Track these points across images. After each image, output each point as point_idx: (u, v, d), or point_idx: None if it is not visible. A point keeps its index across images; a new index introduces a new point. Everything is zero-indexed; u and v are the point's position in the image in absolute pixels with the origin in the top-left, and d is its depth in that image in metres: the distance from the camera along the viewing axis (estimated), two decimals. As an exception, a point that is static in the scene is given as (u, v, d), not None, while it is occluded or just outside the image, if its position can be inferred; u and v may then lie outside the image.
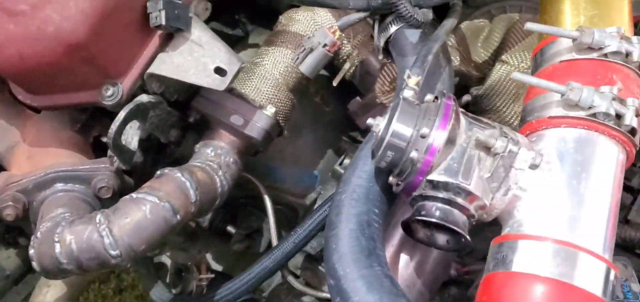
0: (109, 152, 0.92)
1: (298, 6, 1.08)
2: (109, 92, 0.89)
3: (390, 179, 0.71)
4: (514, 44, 0.97)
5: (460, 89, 0.99)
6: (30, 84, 0.89)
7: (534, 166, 0.65)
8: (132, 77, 0.91)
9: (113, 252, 0.79)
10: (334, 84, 1.05)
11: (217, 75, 0.89)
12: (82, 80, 0.88)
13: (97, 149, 1.04)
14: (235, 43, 1.24)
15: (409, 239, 0.80)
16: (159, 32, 0.91)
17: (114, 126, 0.87)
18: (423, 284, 0.86)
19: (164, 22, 0.86)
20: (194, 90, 1.01)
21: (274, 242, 1.10)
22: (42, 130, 0.98)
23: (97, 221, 0.80)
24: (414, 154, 0.65)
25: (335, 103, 1.30)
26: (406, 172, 0.67)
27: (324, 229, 0.89)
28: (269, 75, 1.02)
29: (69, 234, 0.80)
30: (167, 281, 1.19)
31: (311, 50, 0.88)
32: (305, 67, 0.89)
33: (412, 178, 0.66)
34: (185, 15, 0.90)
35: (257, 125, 0.98)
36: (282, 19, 1.08)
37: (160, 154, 1.08)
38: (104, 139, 1.03)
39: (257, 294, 1.22)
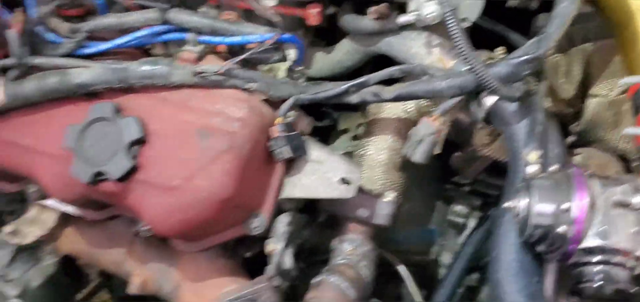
0: (268, 271, 1.02)
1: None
2: (255, 224, 1.00)
3: (541, 248, 0.78)
4: (597, 76, 1.02)
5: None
6: (187, 237, 1.00)
7: (674, 210, 0.71)
8: (269, 205, 1.01)
9: None
10: (436, 152, 1.13)
11: (344, 186, 0.99)
12: (231, 221, 0.99)
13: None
14: (328, 132, 1.35)
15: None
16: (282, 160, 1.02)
17: (275, 259, 0.97)
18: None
19: (289, 155, 0.97)
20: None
21: (419, 302, 1.19)
22: (199, 266, 1.10)
23: None
24: (562, 229, 0.72)
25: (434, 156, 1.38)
26: (557, 244, 0.74)
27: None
28: (377, 162, 1.11)
29: None
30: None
31: (420, 141, 0.97)
32: (419, 157, 0.98)
33: (565, 249, 0.73)
34: (301, 142, 1.00)
35: (383, 213, 1.07)
36: (371, 108, 1.17)
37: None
38: (247, 255, 1.14)
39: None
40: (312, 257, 1.28)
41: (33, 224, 1.17)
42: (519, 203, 0.76)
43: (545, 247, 0.77)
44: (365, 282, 1.04)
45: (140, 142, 0.93)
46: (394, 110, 1.14)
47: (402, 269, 1.21)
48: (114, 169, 0.92)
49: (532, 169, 0.79)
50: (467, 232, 1.32)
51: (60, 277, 1.36)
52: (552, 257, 0.77)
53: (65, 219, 1.20)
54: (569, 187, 0.73)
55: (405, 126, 1.11)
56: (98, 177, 0.93)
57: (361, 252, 1.07)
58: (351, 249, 1.07)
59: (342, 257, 1.06)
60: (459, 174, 1.29)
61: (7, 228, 1.17)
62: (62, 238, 1.21)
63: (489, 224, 1.24)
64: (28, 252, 1.32)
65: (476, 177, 1.33)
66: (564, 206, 0.72)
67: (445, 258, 1.33)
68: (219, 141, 0.92)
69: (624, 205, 0.72)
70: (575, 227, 0.72)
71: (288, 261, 1.00)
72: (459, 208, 1.32)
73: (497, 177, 1.32)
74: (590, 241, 0.72)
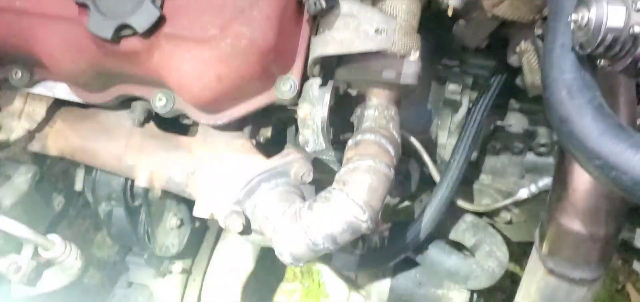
0: (301, 138, 0.96)
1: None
2: (287, 87, 0.94)
3: (602, 62, 0.78)
4: None
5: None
6: (220, 103, 0.93)
7: None
8: (298, 67, 0.96)
9: (363, 217, 0.85)
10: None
11: (380, 36, 0.95)
12: (263, 83, 0.93)
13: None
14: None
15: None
16: (307, 17, 0.97)
17: (324, 110, 0.92)
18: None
19: (324, 6, 0.91)
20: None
21: (435, 174, 1.18)
22: (215, 148, 1.02)
23: (336, 196, 0.86)
24: (637, 29, 0.73)
25: (425, 37, 1.37)
26: (626, 49, 0.74)
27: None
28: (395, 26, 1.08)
29: (314, 218, 0.86)
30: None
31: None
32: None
33: (635, 51, 0.74)
34: (333, -7, 0.95)
35: (409, 72, 1.03)
36: (384, -27, 1.13)
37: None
38: (260, 140, 1.08)
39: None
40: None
41: (20, 117, 1.04)
42: (586, 12, 0.76)
43: (608, 58, 0.77)
44: (397, 143, 1.01)
45: (166, -10, 0.84)
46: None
47: (416, 143, 1.20)
48: (139, 19, 0.82)
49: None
50: (462, 109, 1.33)
51: (34, 195, 1.23)
52: (618, 66, 0.77)
53: (52, 114, 1.08)
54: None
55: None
56: (121, 32, 0.83)
57: (388, 115, 1.04)
58: (378, 115, 1.03)
59: (371, 121, 1.02)
60: (459, 45, 1.28)
61: (-12, 122, 1.03)
62: (52, 135, 1.09)
63: (493, 92, 1.25)
64: (-5, 168, 1.18)
65: (465, 59, 1.34)
66: (638, 4, 0.73)
67: (442, 138, 1.34)
68: (257, -16, 0.85)
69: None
70: (650, 24, 0.72)
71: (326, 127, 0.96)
72: (453, 86, 1.33)
73: (483, 57, 1.35)
74: (665, 37, 0.73)
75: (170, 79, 0.87)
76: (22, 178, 1.20)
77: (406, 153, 1.28)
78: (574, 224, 0.93)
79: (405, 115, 1.33)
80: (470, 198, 1.29)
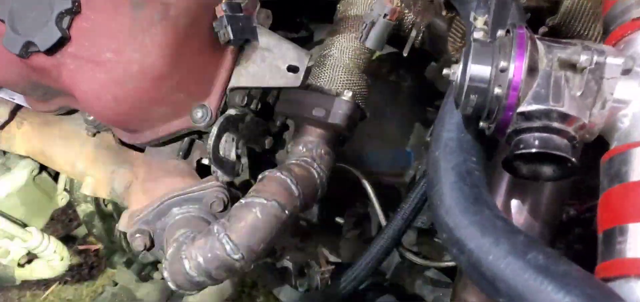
0: (213, 169, 0.96)
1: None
2: (199, 114, 0.94)
3: (481, 124, 0.70)
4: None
5: (534, 24, 0.96)
6: (130, 124, 0.95)
7: (626, 72, 0.62)
8: (216, 95, 0.96)
9: (236, 257, 0.83)
10: (404, 54, 1.05)
11: (291, 73, 0.92)
12: (173, 109, 0.94)
13: (202, 172, 1.09)
14: (302, 44, 1.28)
15: (516, 185, 0.80)
16: (231, 48, 0.96)
17: (210, 141, 0.92)
18: (542, 226, 0.85)
19: (232, 37, 0.91)
20: (276, 96, 1.06)
21: (383, 222, 1.11)
22: (151, 166, 1.05)
23: (215, 231, 0.85)
24: (498, 91, 0.64)
25: (411, 77, 1.30)
26: (494, 111, 0.66)
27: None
28: (339, 62, 1.03)
29: (193, 250, 0.85)
30: (293, 282, 1.22)
31: (373, 24, 0.89)
32: (371, 41, 0.90)
33: (501, 115, 0.65)
34: (250, 25, 0.93)
35: (338, 112, 0.99)
36: (340, 6, 1.10)
37: (261, 165, 1.13)
38: (205, 161, 1.09)
39: (380, 278, 1.24)
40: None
41: (-16, 117, 1.14)
42: (456, 69, 0.68)
43: (484, 121, 0.69)
44: (317, 183, 0.97)
45: (71, 12, 0.87)
46: (361, 8, 1.05)
47: (366, 185, 1.14)
48: (43, 39, 0.86)
49: (477, 34, 0.70)
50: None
51: (33, 189, 1.33)
52: (491, 131, 0.68)
53: (21, 118, 1.17)
54: (509, 49, 0.65)
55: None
56: (28, 49, 0.88)
57: (315, 154, 1.00)
58: (305, 151, 1.00)
59: (295, 158, 0.99)
60: (439, 91, 1.20)
61: (-42, 120, 1.15)
62: (19, 136, 1.18)
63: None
64: (-2, 161, 1.30)
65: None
66: (501, 65, 0.64)
67: (420, 183, 1.25)
68: (152, 11, 0.86)
69: (570, 65, 0.63)
70: (511, 91, 0.63)
71: (230, 153, 0.94)
72: (438, 131, 1.24)
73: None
74: (528, 105, 0.63)
75: (77, 96, 0.91)
76: (21, 171, 1.31)
77: (367, 196, 1.21)
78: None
79: (379, 155, 1.28)
80: (435, 252, 1.19)
